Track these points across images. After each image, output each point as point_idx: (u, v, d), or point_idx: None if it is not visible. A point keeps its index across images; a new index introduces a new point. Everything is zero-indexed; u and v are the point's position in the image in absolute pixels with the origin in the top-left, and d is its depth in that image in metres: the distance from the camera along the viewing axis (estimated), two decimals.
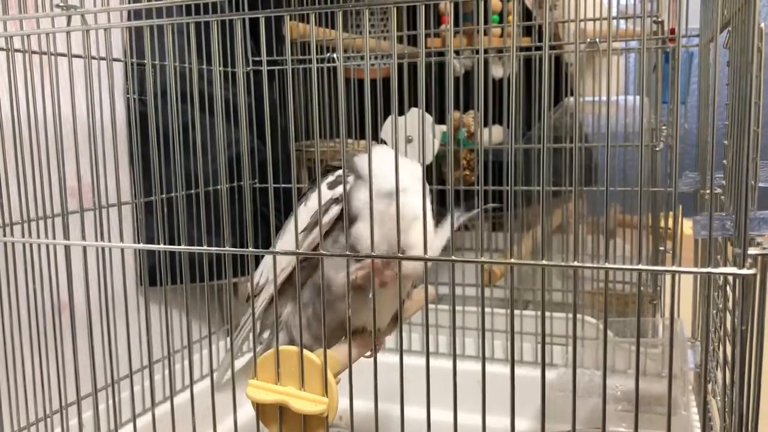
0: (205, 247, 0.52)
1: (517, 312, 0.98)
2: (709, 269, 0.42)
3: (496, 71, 1.04)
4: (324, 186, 0.58)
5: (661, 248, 0.92)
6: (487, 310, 1.00)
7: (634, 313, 0.95)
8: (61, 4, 0.52)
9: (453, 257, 0.46)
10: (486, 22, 1.01)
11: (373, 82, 0.48)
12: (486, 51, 1.00)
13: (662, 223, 0.92)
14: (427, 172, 0.97)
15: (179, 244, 0.54)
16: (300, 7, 0.48)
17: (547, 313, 0.95)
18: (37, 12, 0.54)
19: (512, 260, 0.45)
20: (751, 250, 0.41)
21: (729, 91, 0.61)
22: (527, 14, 1.13)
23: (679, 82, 0.82)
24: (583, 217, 1.02)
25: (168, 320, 0.61)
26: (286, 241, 0.61)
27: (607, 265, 0.43)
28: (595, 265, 0.44)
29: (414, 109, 0.86)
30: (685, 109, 0.93)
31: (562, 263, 0.44)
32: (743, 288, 0.42)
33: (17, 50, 0.60)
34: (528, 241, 1.05)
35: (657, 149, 0.83)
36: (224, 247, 0.54)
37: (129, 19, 0.60)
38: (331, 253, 0.52)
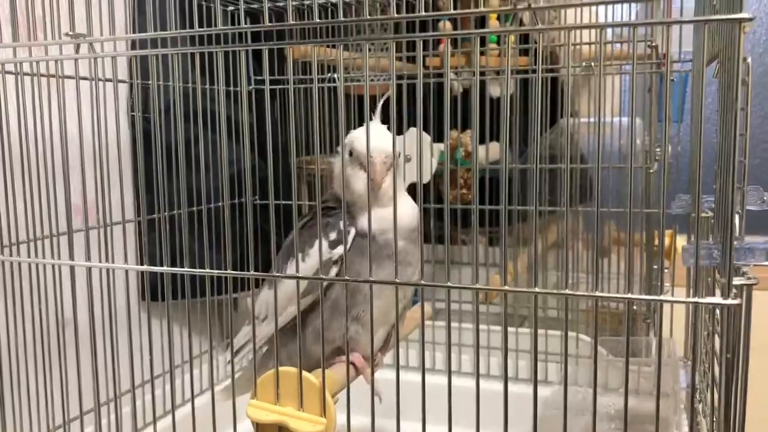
0: (207, 270, 0.53)
1: (513, 329, 0.99)
2: (696, 299, 0.43)
3: (494, 90, 1.06)
4: (324, 244, 0.58)
5: (655, 266, 0.93)
6: (484, 326, 1.01)
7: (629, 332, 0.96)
8: (70, 33, 0.53)
9: (449, 283, 0.48)
10: (483, 43, 1.02)
11: (373, 98, 0.50)
12: (483, 74, 1.01)
13: (657, 241, 0.93)
14: (425, 190, 0.99)
15: (182, 261, 0.55)
16: (303, 40, 0.50)
17: (543, 331, 0.96)
18: (46, 39, 0.56)
19: (506, 287, 0.46)
20: (736, 281, 0.43)
21: (718, 118, 0.62)
22: (525, 34, 1.14)
23: (671, 106, 0.84)
24: (579, 234, 1.03)
25: (170, 335, 0.62)
26: (283, 292, 0.60)
27: (598, 294, 0.45)
28: (587, 294, 0.45)
29: (412, 129, 0.87)
30: (678, 129, 0.95)
31: (555, 291, 0.46)
32: (728, 317, 0.43)
33: (26, 74, 0.62)
34: (524, 257, 1.07)
35: (651, 171, 0.84)
36: (226, 268, 0.55)
37: (135, 45, 0.62)
38: (328, 278, 0.54)
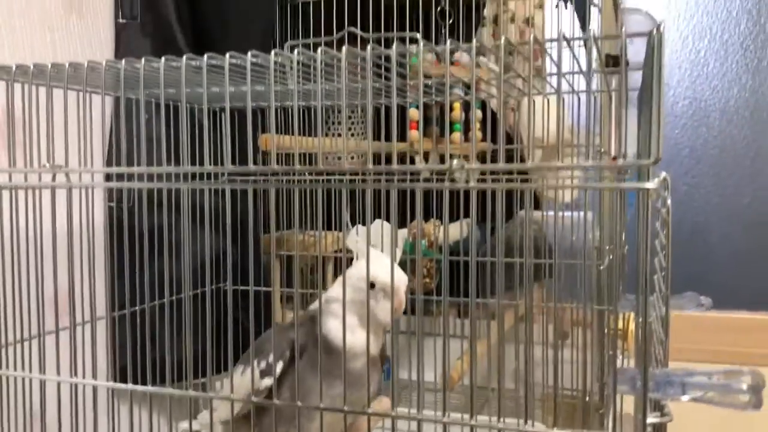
0: (168, 389, 0.57)
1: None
2: None
3: (459, 176, 1.11)
4: (256, 372, 0.61)
5: (611, 352, 0.97)
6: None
7: (582, 421, 1.00)
8: (47, 164, 0.57)
9: (419, 416, 0.51)
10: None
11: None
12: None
13: (616, 325, 0.97)
14: None
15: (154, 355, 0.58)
16: (287, 179, 0.55)
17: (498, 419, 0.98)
18: (25, 167, 0.60)
19: (444, 419, 0.50)
20: (650, 419, 0.46)
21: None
22: (493, 117, 1.20)
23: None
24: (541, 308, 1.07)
25: (140, 422, 0.65)
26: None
27: (528, 429, 0.49)
28: (515, 429, 0.49)
29: (377, 221, 0.92)
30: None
31: (486, 424, 0.50)
32: None
33: (3, 187, 0.65)
34: (495, 331, 1.10)
35: (601, 267, 0.89)
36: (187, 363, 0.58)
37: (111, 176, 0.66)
38: (280, 403, 0.57)
